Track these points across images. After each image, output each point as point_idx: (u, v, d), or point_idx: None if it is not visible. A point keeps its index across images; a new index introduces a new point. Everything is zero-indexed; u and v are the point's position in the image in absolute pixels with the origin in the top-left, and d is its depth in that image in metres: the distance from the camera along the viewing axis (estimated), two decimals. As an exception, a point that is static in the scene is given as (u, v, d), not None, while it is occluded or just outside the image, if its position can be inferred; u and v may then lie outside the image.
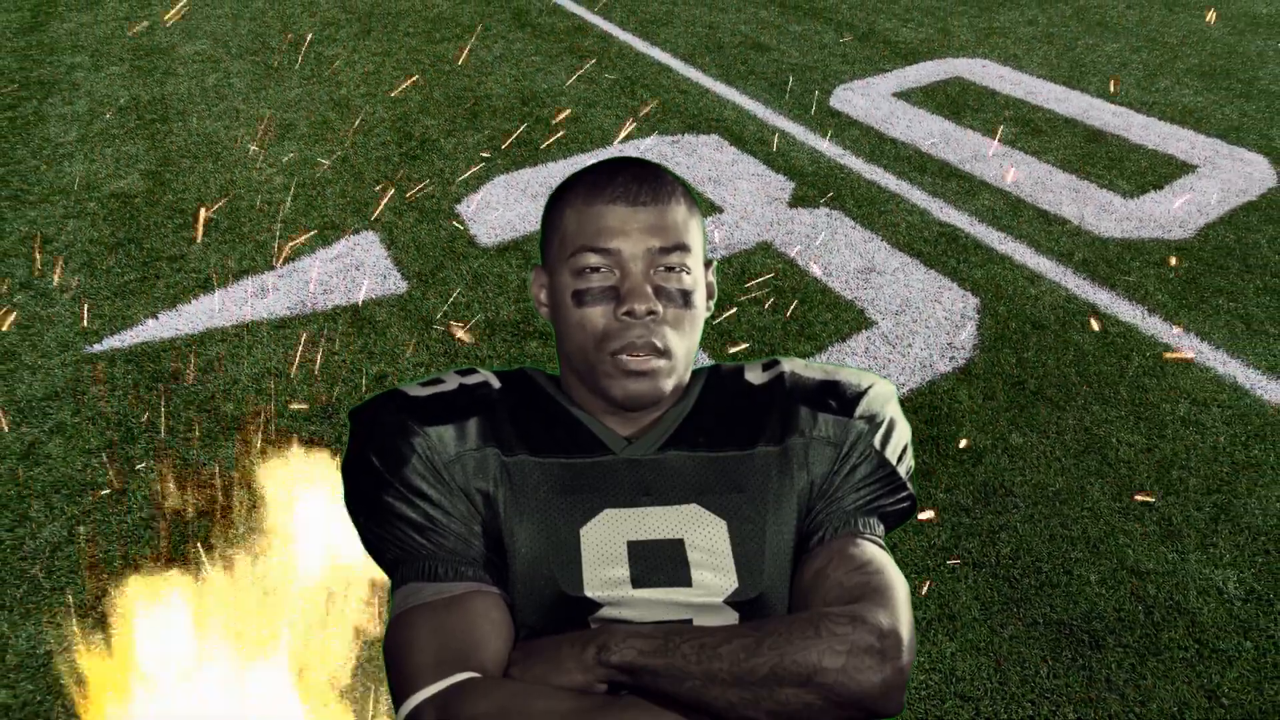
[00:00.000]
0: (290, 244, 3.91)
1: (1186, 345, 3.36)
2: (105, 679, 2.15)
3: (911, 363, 3.27)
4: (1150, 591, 2.42)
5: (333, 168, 4.58)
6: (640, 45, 6.30)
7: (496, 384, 1.01)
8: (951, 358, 3.30)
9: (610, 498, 0.95)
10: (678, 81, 5.69)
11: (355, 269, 3.76)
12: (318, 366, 3.19)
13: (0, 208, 4.20)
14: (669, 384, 0.97)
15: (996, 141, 4.89)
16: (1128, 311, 3.55)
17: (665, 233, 0.96)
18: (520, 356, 3.27)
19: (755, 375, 1.05)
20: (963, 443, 2.89)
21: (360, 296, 3.58)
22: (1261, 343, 3.37)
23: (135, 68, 5.83)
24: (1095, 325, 3.41)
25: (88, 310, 3.48)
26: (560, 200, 1.01)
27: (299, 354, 3.25)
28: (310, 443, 2.85)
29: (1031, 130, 5.04)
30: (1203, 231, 4.09)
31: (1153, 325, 3.47)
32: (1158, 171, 4.61)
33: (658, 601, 0.91)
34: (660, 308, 0.95)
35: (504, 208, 4.23)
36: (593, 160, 1.17)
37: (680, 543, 0.93)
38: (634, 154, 4.65)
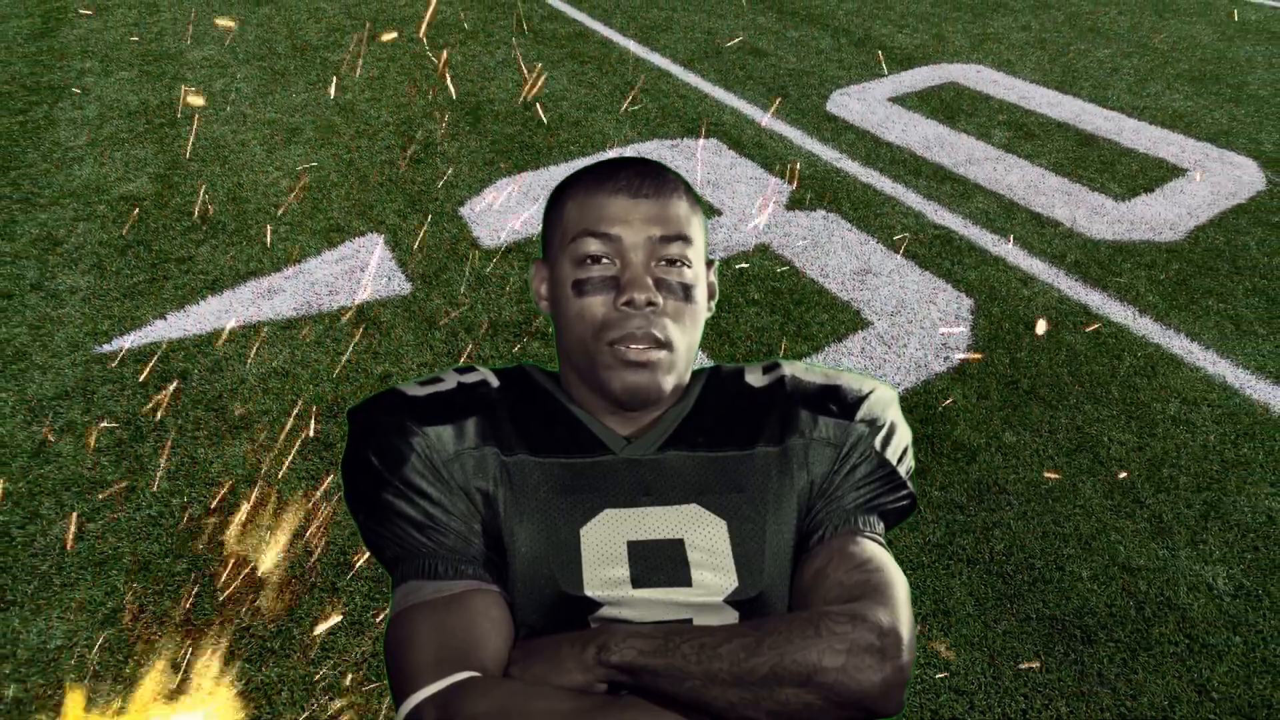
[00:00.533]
0: (296, 246, 3.96)
1: (1177, 345, 3.42)
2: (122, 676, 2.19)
3: (906, 363, 3.32)
4: (1141, 587, 2.45)
5: (338, 171, 4.63)
6: (640, 51, 6.37)
7: (495, 382, 1.01)
8: (945, 358, 3.35)
9: (610, 498, 0.95)
10: (677, 86, 5.75)
11: (360, 270, 3.81)
12: (323, 366, 3.24)
13: (11, 210, 4.25)
14: (668, 379, 0.96)
15: (990, 145, 4.95)
16: (1119, 312, 3.60)
17: (667, 223, 0.96)
18: (522, 357, 3.31)
19: (755, 377, 1.04)
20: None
21: (365, 298, 3.64)
22: (1250, 343, 3.43)
23: (144, 73, 5.88)
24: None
25: (97, 311, 3.52)
26: (563, 194, 1.01)
27: (305, 354, 3.30)
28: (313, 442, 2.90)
29: (1025, 134, 5.10)
30: (1193, 234, 4.14)
31: (1144, 326, 3.53)
32: (1149, 175, 4.66)
33: (658, 601, 0.91)
34: (660, 299, 0.94)
35: (506, 210, 4.29)
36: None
37: (680, 543, 0.93)
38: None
